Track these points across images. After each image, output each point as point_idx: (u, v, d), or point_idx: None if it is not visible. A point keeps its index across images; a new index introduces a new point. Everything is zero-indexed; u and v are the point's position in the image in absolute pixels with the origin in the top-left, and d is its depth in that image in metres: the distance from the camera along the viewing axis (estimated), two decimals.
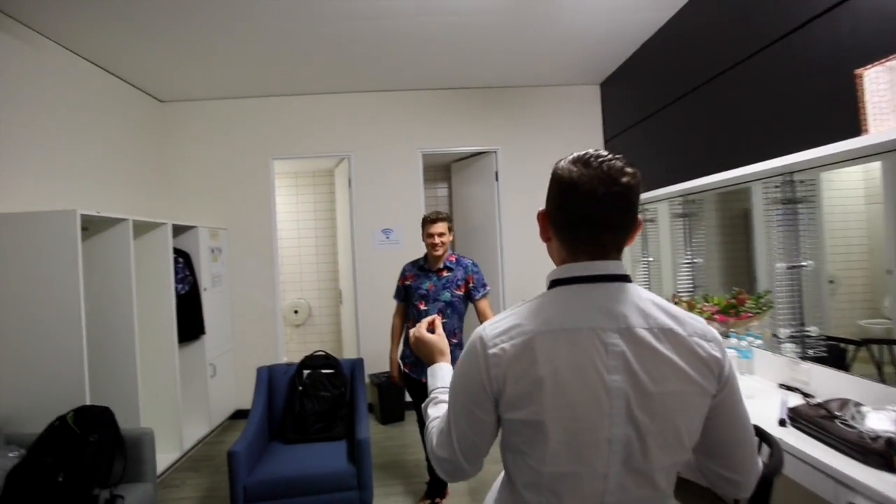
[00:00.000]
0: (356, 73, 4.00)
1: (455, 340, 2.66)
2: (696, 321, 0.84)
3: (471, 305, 2.73)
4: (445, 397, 0.98)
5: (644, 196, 3.18)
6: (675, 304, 2.83)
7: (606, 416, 0.77)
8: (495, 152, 4.48)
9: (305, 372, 2.99)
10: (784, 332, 2.24)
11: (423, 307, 2.66)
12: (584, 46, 3.65)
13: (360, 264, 4.40)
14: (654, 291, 3.56)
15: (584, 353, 0.77)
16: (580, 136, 4.45)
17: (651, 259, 3.44)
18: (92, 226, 2.85)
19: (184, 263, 3.64)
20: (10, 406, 2.44)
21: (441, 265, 2.69)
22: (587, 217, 0.81)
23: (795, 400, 2.00)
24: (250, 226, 4.34)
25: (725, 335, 2.68)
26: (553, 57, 3.85)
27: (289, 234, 5.43)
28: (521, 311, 0.83)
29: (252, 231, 4.34)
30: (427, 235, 2.65)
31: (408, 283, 2.77)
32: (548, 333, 0.78)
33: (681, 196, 3.01)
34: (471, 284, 2.67)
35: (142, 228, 3.28)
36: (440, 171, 5.44)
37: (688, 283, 3.01)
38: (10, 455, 2.14)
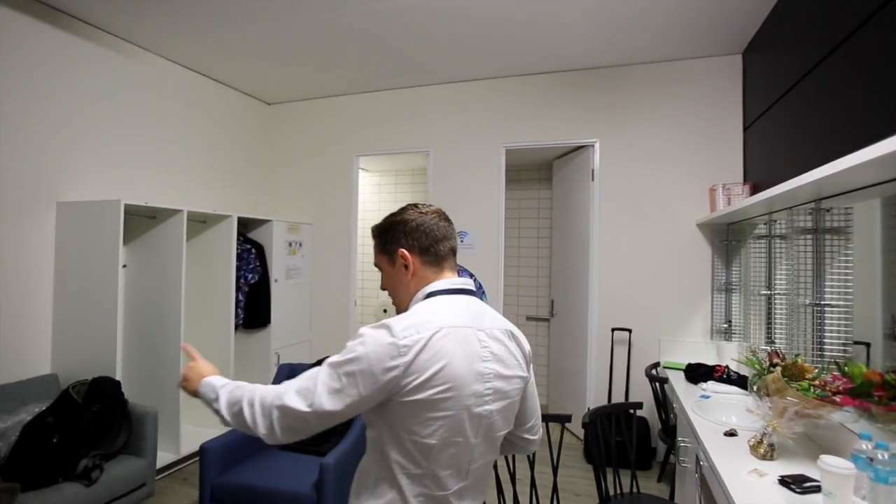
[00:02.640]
0: (436, 63, 3.71)
1: None
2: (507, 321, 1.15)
3: None
4: (241, 390, 1.02)
5: (760, 198, 2.15)
6: (773, 364, 1.83)
7: (480, 396, 1.00)
8: (592, 146, 3.70)
9: None
10: None
11: None
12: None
13: None
14: (778, 344, 2.44)
15: (469, 345, 1.00)
16: (711, 120, 3.37)
17: (774, 292, 2.35)
18: (158, 215, 3.17)
19: (256, 254, 3.85)
20: (73, 363, 2.81)
21: None
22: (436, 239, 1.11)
23: None
24: (332, 221, 4.41)
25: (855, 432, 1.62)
26: (671, 21, 2.96)
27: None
28: (419, 311, 1.01)
29: (334, 227, 4.41)
30: None
31: None
32: (447, 329, 0.98)
33: (809, 202, 1.94)
34: None
35: (213, 220, 3.55)
36: (543, 170, 4.79)
37: (811, 337, 1.93)
38: (36, 410, 2.44)
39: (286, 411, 0.93)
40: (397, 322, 0.96)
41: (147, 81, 3.45)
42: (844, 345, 1.88)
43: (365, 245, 5.43)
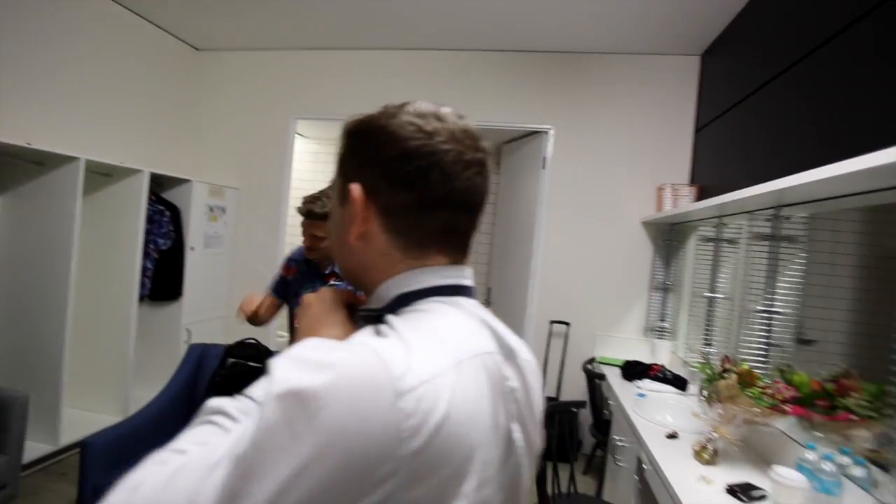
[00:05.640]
0: (392, 26, 3.40)
1: None
2: None
3: None
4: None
5: (719, 201, 2.13)
6: (725, 370, 1.81)
7: (503, 489, 0.50)
8: (547, 132, 3.59)
9: (230, 360, 2.49)
10: None
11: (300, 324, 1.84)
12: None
13: None
14: (716, 346, 2.48)
15: (496, 390, 0.50)
16: (663, 120, 3.37)
17: (722, 296, 2.37)
18: (48, 162, 2.63)
19: (170, 217, 3.38)
20: None
21: (330, 269, 1.92)
22: (452, 196, 0.55)
23: None
24: (262, 188, 3.99)
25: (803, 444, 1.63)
26: (641, 16, 2.89)
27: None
28: (420, 327, 0.49)
29: (263, 194, 3.99)
30: (302, 227, 1.90)
31: (290, 277, 2.02)
32: (467, 362, 0.47)
33: (769, 208, 1.93)
34: None
35: (119, 174, 3.05)
36: (491, 153, 4.64)
37: (758, 343, 1.94)
38: None
39: None
40: (393, 349, 0.44)
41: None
42: (783, 350, 1.91)
43: (297, 217, 5.03)
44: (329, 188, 1.73)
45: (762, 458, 1.80)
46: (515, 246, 3.91)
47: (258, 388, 0.43)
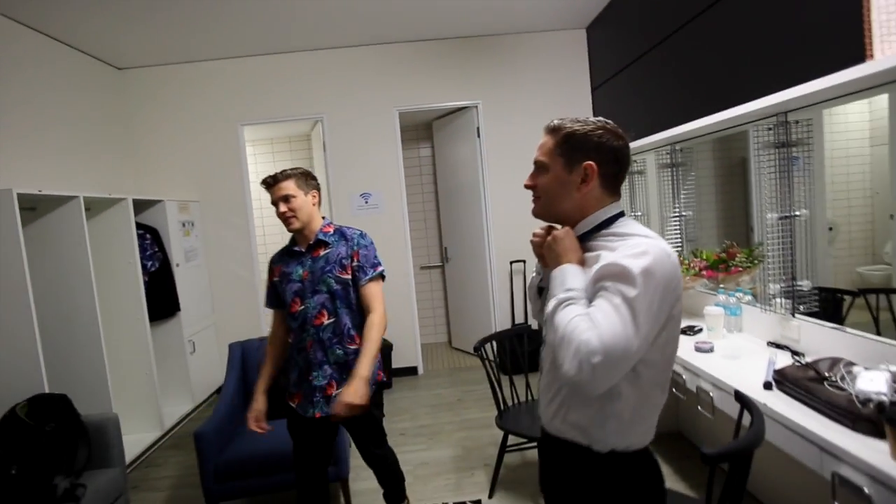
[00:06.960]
0: (322, 28, 3.72)
1: (355, 346, 1.85)
2: None
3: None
4: (580, 302, 0.93)
5: (631, 146, 2.96)
6: None
7: None
8: (476, 107, 4.22)
9: None
10: (774, 287, 2.07)
11: (298, 308, 1.83)
12: None
13: None
14: None
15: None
16: (566, 85, 4.17)
17: (640, 213, 3.25)
18: (40, 205, 2.69)
19: (151, 240, 3.50)
20: None
21: (313, 239, 1.86)
22: (626, 169, 1.08)
23: (784, 360, 1.86)
24: (223, 197, 4.16)
25: (715, 292, 2.53)
26: None
27: (269, 203, 5.22)
28: (642, 228, 1.01)
29: (225, 202, 4.17)
30: (273, 205, 1.89)
31: (276, 279, 1.92)
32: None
33: (667, 145, 2.79)
34: (355, 263, 1.85)
35: (100, 206, 3.12)
36: (422, 129, 5.18)
37: (676, 238, 2.83)
38: None
39: (611, 346, 0.84)
40: (655, 236, 0.97)
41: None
42: (688, 242, 2.83)
43: (261, 218, 5.17)
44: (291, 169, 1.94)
45: (692, 312, 2.71)
46: (465, 206, 4.56)
47: (605, 277, 0.92)
